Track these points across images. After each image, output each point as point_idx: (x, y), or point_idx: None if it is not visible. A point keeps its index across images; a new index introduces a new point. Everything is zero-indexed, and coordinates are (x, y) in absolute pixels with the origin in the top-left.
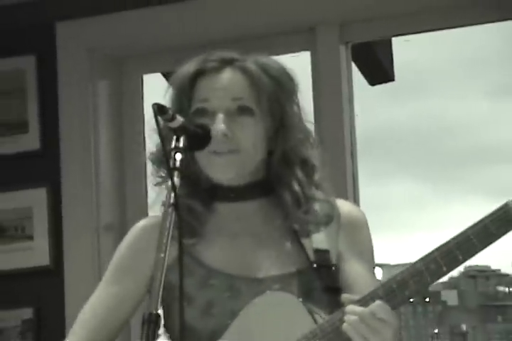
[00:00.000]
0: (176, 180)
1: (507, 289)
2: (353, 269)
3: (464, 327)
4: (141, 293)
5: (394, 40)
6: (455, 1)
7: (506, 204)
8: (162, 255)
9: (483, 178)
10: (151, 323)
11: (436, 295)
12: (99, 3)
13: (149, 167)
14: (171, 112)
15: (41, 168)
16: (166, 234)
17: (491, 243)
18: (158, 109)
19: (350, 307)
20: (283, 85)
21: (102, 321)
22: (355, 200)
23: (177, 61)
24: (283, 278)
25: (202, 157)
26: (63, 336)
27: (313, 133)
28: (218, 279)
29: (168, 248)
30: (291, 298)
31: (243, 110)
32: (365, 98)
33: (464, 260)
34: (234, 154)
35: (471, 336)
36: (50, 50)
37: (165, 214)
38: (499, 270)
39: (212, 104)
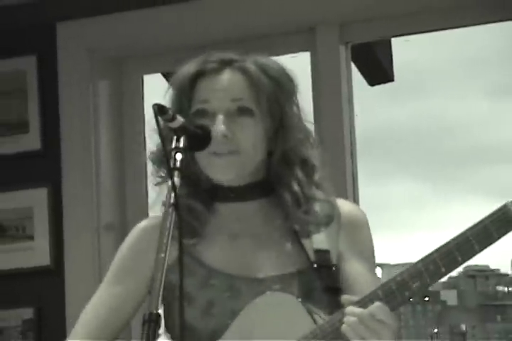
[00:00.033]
0: (176, 179)
1: (506, 289)
2: (353, 269)
3: (463, 326)
4: (143, 294)
5: (393, 40)
6: (454, 1)
7: (505, 206)
8: (162, 255)
9: (482, 178)
10: (151, 323)
11: (435, 295)
12: (99, 3)
13: (150, 167)
14: (171, 112)
15: (42, 168)
16: (167, 233)
17: (490, 244)
18: (159, 110)
19: (349, 309)
20: (282, 86)
21: (104, 321)
22: (355, 200)
23: (177, 61)
24: (283, 279)
25: (202, 158)
26: (64, 335)
27: (313, 134)
28: (219, 279)
29: (168, 248)
30: (290, 298)
31: (243, 111)
32: (365, 98)
33: (464, 261)
34: (234, 155)
35: (470, 335)
36: (51, 51)
37: (165, 214)
38: (498, 270)
39: (212, 105)
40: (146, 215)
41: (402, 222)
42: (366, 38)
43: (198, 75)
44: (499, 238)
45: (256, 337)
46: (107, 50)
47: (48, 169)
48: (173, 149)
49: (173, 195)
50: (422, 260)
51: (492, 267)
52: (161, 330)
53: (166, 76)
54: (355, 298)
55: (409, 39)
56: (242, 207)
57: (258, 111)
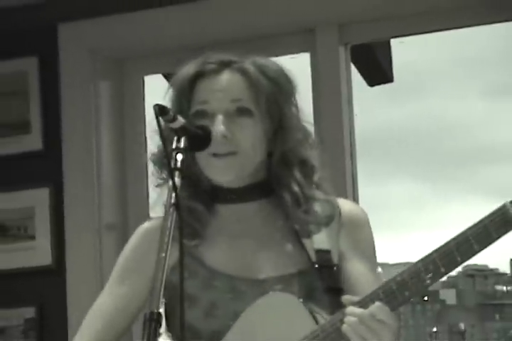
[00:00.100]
0: (177, 180)
1: (505, 288)
2: (355, 268)
3: (462, 325)
4: (146, 295)
5: (393, 41)
6: (454, 2)
7: (504, 206)
8: (163, 254)
9: (482, 178)
10: (152, 322)
11: (434, 294)
12: (101, 5)
13: (151, 167)
14: (172, 113)
15: (43, 168)
16: (167, 233)
17: (489, 244)
18: (160, 110)
19: (350, 309)
20: (281, 86)
21: (110, 321)
22: (355, 200)
23: (178, 62)
24: (284, 279)
25: (202, 158)
26: (65, 335)
27: (312, 134)
28: (221, 280)
29: (169, 247)
30: (292, 298)
31: (242, 111)
32: (364, 99)
33: (463, 261)
34: (233, 156)
35: (469, 334)
36: (53, 52)
37: (166, 214)
38: (497, 269)
39: (211, 105)
40: (147, 215)
41: (401, 222)
42: (366, 39)
43: (197, 76)
44: (498, 238)
45: (258, 337)
46: (108, 51)
47: (49, 169)
48: (174, 149)
49: (173, 194)
50: (422, 260)
51: (491, 266)
52: (162, 329)
53: (167, 77)
54: (356, 298)
55: (408, 40)
56: (242, 208)
57: (257, 111)
